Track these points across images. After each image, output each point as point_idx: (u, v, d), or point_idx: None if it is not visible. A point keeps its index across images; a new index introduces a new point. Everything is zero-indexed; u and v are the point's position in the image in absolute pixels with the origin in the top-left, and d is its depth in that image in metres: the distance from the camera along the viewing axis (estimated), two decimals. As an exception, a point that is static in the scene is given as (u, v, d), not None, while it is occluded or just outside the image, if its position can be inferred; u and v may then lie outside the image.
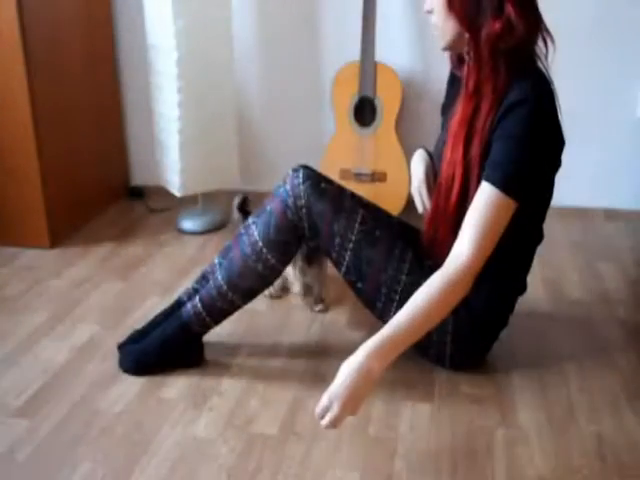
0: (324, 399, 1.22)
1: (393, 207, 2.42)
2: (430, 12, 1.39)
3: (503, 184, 1.31)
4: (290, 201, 1.51)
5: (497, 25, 1.28)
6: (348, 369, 1.22)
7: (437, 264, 1.47)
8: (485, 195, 1.32)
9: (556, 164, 1.40)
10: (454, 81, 1.60)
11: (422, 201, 1.59)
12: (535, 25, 1.34)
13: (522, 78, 1.32)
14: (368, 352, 1.23)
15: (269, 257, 1.53)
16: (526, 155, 1.32)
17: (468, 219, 1.32)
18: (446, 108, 1.65)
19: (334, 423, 1.21)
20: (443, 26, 1.37)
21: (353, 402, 1.22)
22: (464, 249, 1.30)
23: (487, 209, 1.31)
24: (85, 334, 1.81)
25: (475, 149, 1.35)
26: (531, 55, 1.36)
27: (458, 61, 1.50)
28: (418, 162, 1.65)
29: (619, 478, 1.29)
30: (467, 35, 1.33)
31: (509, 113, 1.31)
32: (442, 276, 1.29)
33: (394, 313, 1.52)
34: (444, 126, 1.57)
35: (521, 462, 1.33)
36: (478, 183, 1.35)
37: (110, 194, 2.79)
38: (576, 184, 2.59)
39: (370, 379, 1.23)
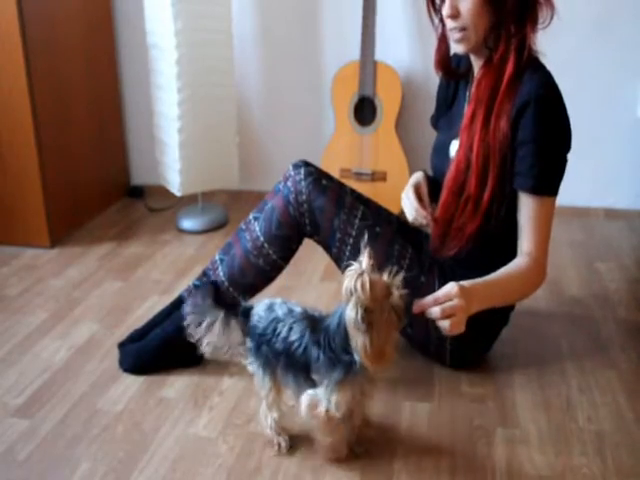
0: (455, 289, 1.24)
1: (393, 206, 2.41)
2: (454, 16, 1.36)
3: (539, 190, 1.38)
4: (292, 197, 1.52)
5: (538, 15, 1.35)
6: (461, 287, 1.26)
7: (444, 260, 1.49)
8: (528, 207, 1.40)
9: (570, 146, 1.43)
10: (449, 87, 1.61)
11: (410, 207, 1.56)
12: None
13: (531, 68, 1.36)
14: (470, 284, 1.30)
15: (270, 252, 1.54)
16: (550, 154, 1.36)
17: (526, 232, 1.41)
18: (437, 118, 1.66)
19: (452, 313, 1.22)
20: (476, 26, 1.36)
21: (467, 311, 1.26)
22: (540, 262, 1.43)
23: (537, 218, 1.40)
24: (85, 333, 1.81)
25: (496, 133, 1.37)
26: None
27: (448, 64, 1.53)
28: (411, 180, 1.64)
29: (618, 477, 1.29)
30: (512, 29, 1.35)
31: (526, 108, 1.34)
32: (524, 273, 1.40)
33: None
34: (445, 131, 1.57)
35: (521, 461, 1.33)
36: (498, 168, 1.38)
37: (110, 193, 2.79)
38: (576, 184, 2.58)
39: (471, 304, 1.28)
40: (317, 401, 1.25)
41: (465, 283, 1.29)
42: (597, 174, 2.58)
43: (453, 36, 1.40)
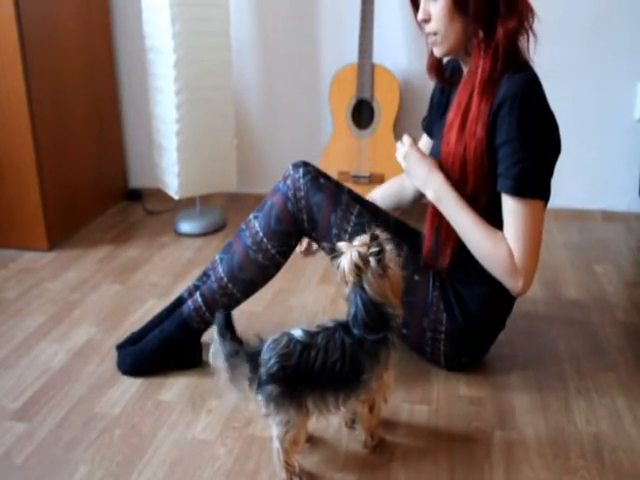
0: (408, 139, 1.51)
1: (391, 209, 2.42)
2: (426, 21, 1.40)
3: (517, 190, 1.36)
4: (290, 193, 1.54)
5: (513, 21, 1.34)
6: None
7: (441, 269, 1.49)
8: (509, 210, 1.39)
9: (558, 149, 1.42)
10: (443, 93, 1.62)
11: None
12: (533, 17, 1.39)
13: (512, 70, 1.36)
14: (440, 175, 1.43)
15: (269, 247, 1.55)
16: (529, 153, 1.35)
17: (507, 235, 1.40)
18: (430, 122, 1.68)
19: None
20: (446, 31, 1.38)
21: (418, 156, 1.47)
22: (518, 265, 1.39)
23: (516, 221, 1.38)
24: (83, 336, 1.81)
25: (471, 138, 1.38)
26: (518, 45, 1.40)
27: (440, 70, 1.55)
28: None
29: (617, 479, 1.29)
30: (481, 34, 1.36)
31: (501, 109, 1.34)
32: (499, 249, 1.40)
33: None
34: (439, 138, 1.57)
35: (519, 463, 1.33)
36: (476, 174, 1.39)
37: (108, 196, 2.79)
38: (574, 186, 2.59)
39: (431, 171, 1.44)
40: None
41: (441, 173, 1.43)
42: (595, 176, 2.59)
43: (427, 40, 1.44)
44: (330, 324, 1.27)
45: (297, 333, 1.24)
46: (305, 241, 1.71)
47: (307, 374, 1.21)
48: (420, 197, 1.70)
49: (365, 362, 1.24)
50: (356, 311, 1.23)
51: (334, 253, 1.23)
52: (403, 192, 1.74)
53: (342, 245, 1.23)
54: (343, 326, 1.25)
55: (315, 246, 1.69)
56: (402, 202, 1.75)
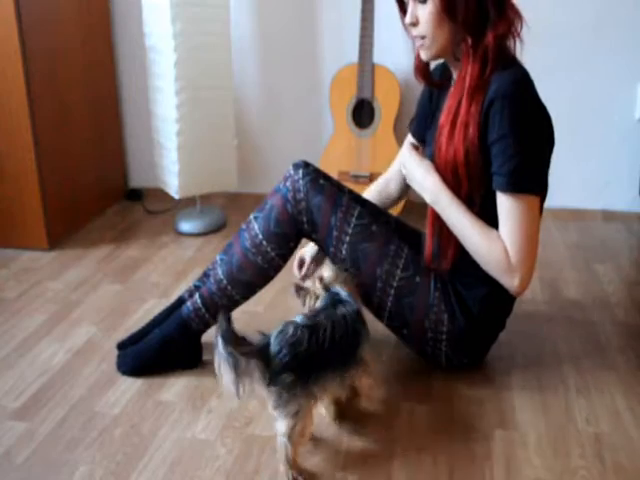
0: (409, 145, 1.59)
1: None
2: (414, 24, 1.41)
3: (511, 187, 1.36)
4: (290, 195, 1.54)
5: (502, 26, 1.35)
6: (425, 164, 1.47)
7: (443, 272, 1.50)
8: (502, 205, 1.39)
9: (552, 142, 1.42)
10: (432, 98, 1.62)
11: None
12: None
13: (501, 68, 1.36)
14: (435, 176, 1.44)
15: (268, 250, 1.55)
16: (521, 149, 1.35)
17: (502, 233, 1.40)
18: (418, 124, 1.68)
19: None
20: (434, 35, 1.39)
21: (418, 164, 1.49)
22: (513, 263, 1.39)
23: (511, 218, 1.38)
24: (83, 336, 1.81)
25: (460, 143, 1.38)
26: (506, 45, 1.40)
27: (427, 73, 1.57)
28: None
29: (617, 479, 1.29)
30: (469, 39, 1.36)
31: (491, 107, 1.34)
32: (503, 257, 1.40)
33: (389, 308, 1.53)
34: (432, 144, 1.57)
35: (519, 463, 1.33)
36: (468, 176, 1.40)
37: (108, 196, 2.79)
38: (574, 185, 2.59)
39: (427, 172, 1.46)
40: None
41: (436, 176, 1.44)
42: (595, 176, 2.59)
43: (415, 43, 1.45)
44: (322, 303, 1.35)
45: (299, 319, 1.28)
46: (303, 270, 1.75)
47: (319, 355, 1.25)
48: (404, 195, 1.78)
49: (362, 330, 1.32)
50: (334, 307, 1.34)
51: (302, 291, 1.40)
52: (387, 192, 1.77)
53: (308, 284, 1.41)
54: (335, 302, 1.34)
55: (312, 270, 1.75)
56: (386, 203, 1.77)
